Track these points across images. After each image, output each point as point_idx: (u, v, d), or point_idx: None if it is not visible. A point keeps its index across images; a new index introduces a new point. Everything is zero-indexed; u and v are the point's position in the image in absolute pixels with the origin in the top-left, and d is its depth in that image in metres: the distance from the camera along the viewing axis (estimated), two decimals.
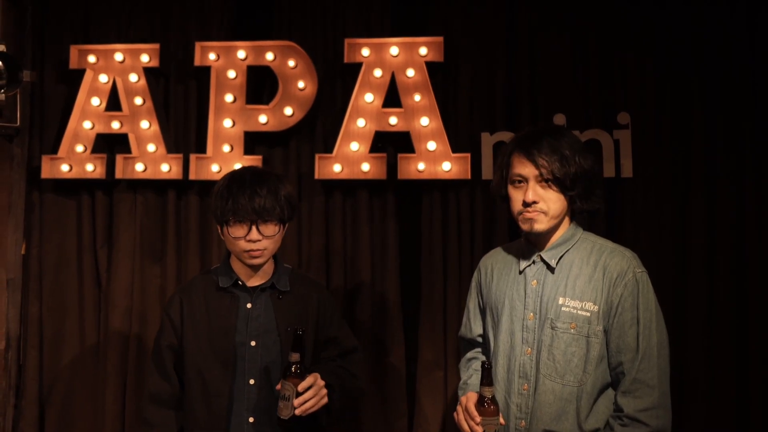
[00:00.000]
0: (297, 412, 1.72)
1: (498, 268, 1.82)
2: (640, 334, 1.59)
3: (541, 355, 1.65)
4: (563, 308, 1.64)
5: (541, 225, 1.65)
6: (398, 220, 3.03)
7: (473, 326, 1.92)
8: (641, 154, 2.90)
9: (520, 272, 1.74)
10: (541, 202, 1.64)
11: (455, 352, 2.90)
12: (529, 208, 1.65)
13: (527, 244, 1.74)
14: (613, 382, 1.66)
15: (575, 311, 1.63)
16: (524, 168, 1.68)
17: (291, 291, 1.94)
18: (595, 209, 1.68)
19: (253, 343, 1.86)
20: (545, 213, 1.64)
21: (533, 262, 1.72)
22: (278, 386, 1.74)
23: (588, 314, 1.62)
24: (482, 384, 1.59)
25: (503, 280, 1.78)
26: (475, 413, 1.60)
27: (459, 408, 1.67)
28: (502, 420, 1.63)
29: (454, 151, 2.96)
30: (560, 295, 1.65)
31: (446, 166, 2.93)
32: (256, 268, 1.91)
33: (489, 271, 1.86)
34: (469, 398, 1.65)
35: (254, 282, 1.92)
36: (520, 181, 1.70)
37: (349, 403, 1.80)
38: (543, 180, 1.63)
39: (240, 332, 1.86)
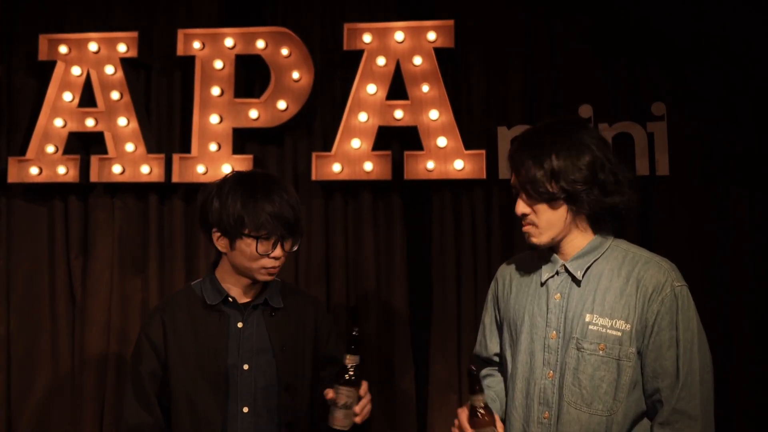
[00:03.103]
0: (358, 420, 1.73)
1: (517, 279, 1.80)
2: (680, 358, 1.57)
3: (565, 379, 1.63)
4: (590, 326, 1.62)
5: (537, 239, 1.66)
6: (405, 224, 3.04)
7: (489, 344, 1.91)
8: (679, 149, 2.90)
9: (542, 284, 1.72)
10: (531, 214, 1.65)
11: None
12: (523, 221, 1.68)
13: (550, 253, 1.72)
14: (649, 412, 1.64)
15: (604, 330, 1.61)
16: (513, 176, 1.70)
17: (284, 307, 1.94)
18: (610, 212, 1.64)
19: (246, 367, 1.86)
20: (536, 226, 1.65)
21: (557, 273, 1.70)
22: (330, 394, 1.72)
23: (619, 334, 1.60)
24: (470, 392, 1.57)
25: (523, 292, 1.76)
26: (466, 426, 1.59)
27: (456, 422, 1.66)
28: (499, 429, 1.62)
29: (467, 148, 2.97)
30: (587, 311, 1.63)
31: (458, 164, 2.94)
32: (253, 285, 1.91)
33: (507, 282, 1.84)
34: (461, 411, 1.64)
35: (246, 298, 1.92)
36: (517, 193, 1.72)
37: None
38: (525, 192, 1.65)
39: (231, 354, 1.86)
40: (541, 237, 1.66)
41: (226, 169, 2.98)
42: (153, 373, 1.86)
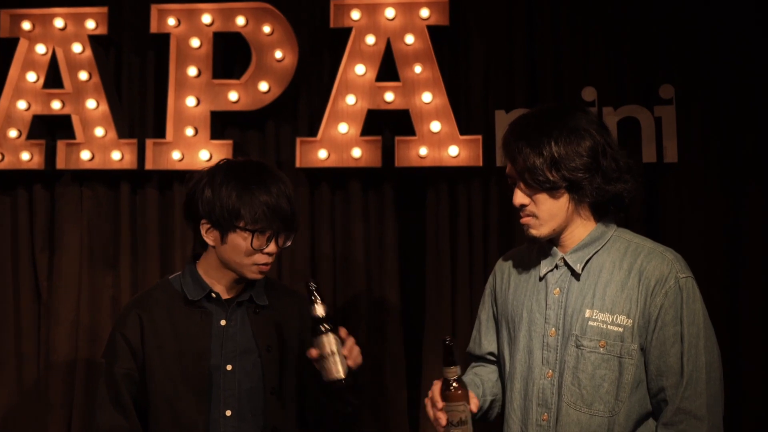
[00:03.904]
0: (351, 363, 1.73)
1: (516, 273, 1.80)
2: (684, 354, 1.57)
3: (564, 379, 1.63)
4: (590, 322, 1.61)
5: (537, 231, 1.66)
6: (397, 216, 3.03)
7: (483, 341, 1.91)
8: (688, 135, 2.88)
9: (541, 278, 1.72)
10: (530, 205, 1.64)
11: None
12: (521, 212, 1.67)
13: (549, 245, 1.71)
14: (655, 412, 1.64)
15: (605, 326, 1.61)
16: (508, 165, 1.69)
17: (270, 305, 1.93)
18: (613, 200, 1.64)
19: (229, 367, 1.85)
20: (536, 217, 1.64)
21: (556, 267, 1.70)
22: (313, 352, 1.72)
23: (620, 330, 1.60)
24: (444, 364, 1.58)
25: (521, 287, 1.76)
26: (438, 398, 1.60)
27: (429, 393, 1.67)
28: (473, 406, 1.62)
29: (462, 133, 2.95)
30: (587, 306, 1.63)
31: (453, 150, 2.93)
32: (239, 281, 1.89)
33: (505, 276, 1.84)
34: (435, 383, 1.65)
35: (230, 294, 1.90)
36: (513, 183, 1.70)
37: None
38: (524, 181, 1.63)
39: (214, 354, 1.84)
40: (541, 229, 1.65)
41: (204, 155, 2.98)
42: (129, 374, 1.84)
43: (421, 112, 2.95)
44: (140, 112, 3.14)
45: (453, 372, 1.58)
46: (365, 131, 2.97)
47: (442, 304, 2.97)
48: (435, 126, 2.94)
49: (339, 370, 1.70)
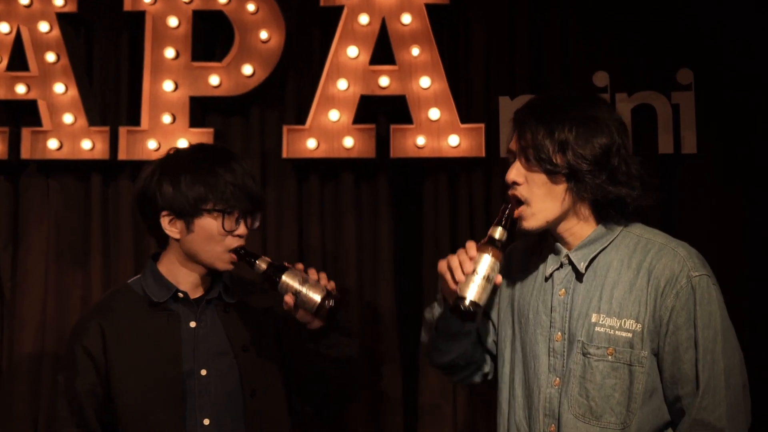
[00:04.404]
0: (324, 283, 1.73)
1: (524, 268, 1.78)
2: (699, 360, 1.53)
3: (570, 388, 1.60)
4: (597, 328, 1.59)
5: (527, 222, 1.62)
6: (393, 210, 3.01)
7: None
8: (708, 123, 2.84)
9: (547, 278, 1.69)
10: (523, 185, 1.61)
11: (469, 394, 2.89)
12: (509, 191, 1.64)
13: (556, 242, 1.69)
14: (675, 422, 1.59)
15: (612, 332, 1.58)
16: (513, 140, 1.67)
17: (239, 302, 1.92)
18: (614, 203, 1.61)
19: (203, 372, 1.82)
20: (528, 204, 1.61)
21: (561, 265, 1.67)
22: (286, 300, 1.71)
23: (629, 335, 1.57)
24: (495, 223, 1.59)
25: (528, 285, 1.74)
26: (472, 246, 1.59)
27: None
28: (498, 277, 1.58)
29: (463, 121, 2.92)
30: (593, 310, 1.60)
31: (453, 140, 2.89)
32: (207, 276, 1.87)
33: (514, 267, 1.81)
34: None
35: (198, 293, 1.88)
36: (512, 160, 1.67)
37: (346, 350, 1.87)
38: (525, 157, 1.61)
39: (186, 359, 1.82)
40: (531, 220, 1.61)
41: (182, 144, 2.91)
42: (92, 390, 1.81)
43: (419, 98, 2.91)
44: (113, 97, 3.09)
45: (501, 234, 1.57)
46: (358, 119, 2.93)
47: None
48: (434, 113, 2.90)
49: (317, 293, 1.70)
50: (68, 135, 2.98)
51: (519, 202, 1.61)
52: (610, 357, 1.58)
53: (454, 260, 1.58)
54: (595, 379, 1.58)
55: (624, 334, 1.57)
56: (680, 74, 2.83)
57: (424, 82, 2.89)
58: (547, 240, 1.72)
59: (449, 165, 2.95)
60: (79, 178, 3.07)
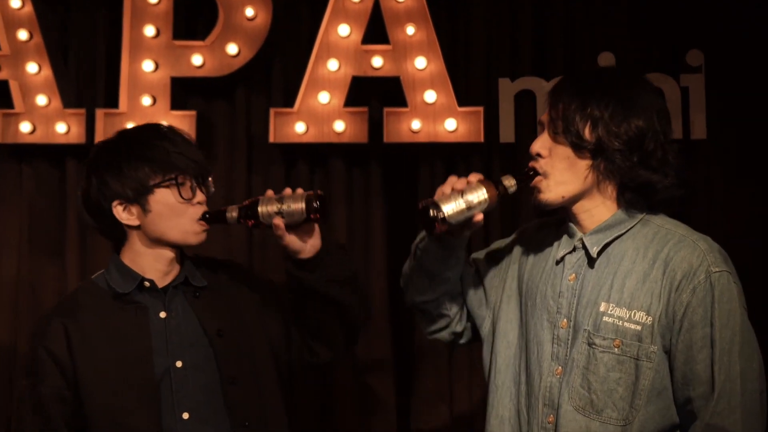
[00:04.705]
0: (300, 191, 1.74)
1: (536, 248, 1.76)
2: (715, 362, 1.49)
3: (572, 379, 1.58)
4: (605, 318, 1.56)
5: (544, 195, 1.61)
6: (386, 199, 2.98)
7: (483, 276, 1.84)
8: (719, 107, 2.84)
9: (558, 261, 1.67)
10: (547, 158, 1.61)
11: (464, 376, 2.87)
12: (531, 163, 1.63)
13: (572, 223, 1.67)
14: (683, 425, 1.56)
15: (621, 323, 1.55)
16: (545, 113, 1.66)
17: (209, 285, 1.89)
18: (642, 188, 1.57)
19: (179, 364, 1.78)
20: (546, 176, 1.61)
21: (574, 249, 1.65)
22: (276, 224, 1.71)
23: (638, 328, 1.54)
24: (512, 175, 1.60)
25: (538, 267, 1.72)
26: (476, 175, 1.62)
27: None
28: (480, 215, 1.59)
29: (461, 105, 2.89)
30: (603, 298, 1.58)
31: (450, 124, 2.86)
32: (174, 261, 1.84)
33: (527, 246, 1.79)
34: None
35: (166, 280, 1.85)
36: (541, 131, 1.67)
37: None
38: (553, 129, 1.60)
39: (159, 353, 1.78)
40: (548, 192, 1.61)
41: None
42: (59, 394, 1.77)
43: (414, 79, 2.88)
44: (89, 77, 3.03)
45: (509, 183, 1.58)
46: (349, 101, 2.90)
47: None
48: (430, 96, 2.87)
49: (299, 201, 1.70)
50: (42, 117, 2.93)
51: (537, 174, 1.61)
52: (616, 349, 1.55)
53: (452, 178, 1.61)
54: (598, 371, 1.56)
55: (633, 326, 1.55)
56: (690, 55, 2.82)
57: (420, 62, 2.86)
58: (565, 222, 1.70)
59: (446, 151, 2.93)
60: (54, 164, 3.03)
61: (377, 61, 2.87)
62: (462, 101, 2.87)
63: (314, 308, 1.83)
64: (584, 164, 1.59)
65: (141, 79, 2.91)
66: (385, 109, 2.88)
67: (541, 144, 1.61)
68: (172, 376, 1.77)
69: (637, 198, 1.60)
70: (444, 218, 1.54)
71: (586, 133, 1.57)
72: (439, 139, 2.86)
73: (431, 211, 1.54)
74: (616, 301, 1.56)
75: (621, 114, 1.56)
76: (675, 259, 1.54)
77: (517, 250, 1.82)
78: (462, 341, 1.88)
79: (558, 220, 1.75)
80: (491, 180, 1.58)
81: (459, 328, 1.84)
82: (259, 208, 1.71)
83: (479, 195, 1.56)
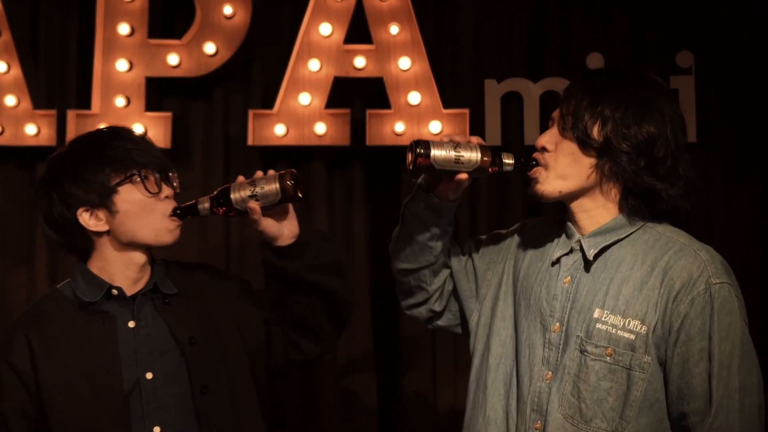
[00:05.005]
0: (272, 172, 1.72)
1: (533, 247, 1.74)
2: (713, 376, 1.47)
3: (563, 386, 1.56)
4: (598, 325, 1.54)
5: (542, 186, 1.61)
6: (368, 203, 2.97)
7: (476, 260, 1.81)
8: (709, 110, 2.84)
9: (554, 262, 1.66)
10: (552, 152, 1.60)
11: (449, 386, 2.85)
12: (534, 154, 1.62)
13: (570, 224, 1.66)
14: None
15: (614, 331, 1.53)
16: (557, 109, 1.66)
17: (179, 292, 1.84)
18: (646, 195, 1.55)
19: (149, 375, 1.74)
20: (547, 168, 1.61)
21: (571, 251, 1.63)
22: (252, 208, 1.69)
23: (632, 337, 1.52)
24: (514, 154, 1.59)
25: (534, 267, 1.70)
26: (478, 138, 1.62)
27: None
28: (464, 175, 1.59)
29: (446, 106, 2.88)
30: (597, 305, 1.55)
31: (435, 126, 2.85)
32: (144, 266, 1.80)
33: (526, 241, 1.77)
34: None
35: (135, 288, 1.80)
36: (551, 127, 1.67)
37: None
38: (563, 124, 1.60)
39: (128, 364, 1.74)
40: (546, 184, 1.60)
41: (138, 129, 2.81)
42: (21, 410, 1.73)
43: (398, 80, 2.88)
44: (61, 77, 3.02)
45: (508, 158, 1.57)
46: (331, 103, 2.89)
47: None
48: (414, 97, 2.86)
49: (272, 182, 1.68)
50: (11, 119, 2.90)
51: (538, 165, 1.62)
52: (608, 358, 1.54)
53: (453, 133, 1.66)
54: (589, 379, 1.54)
55: (626, 334, 1.53)
56: (680, 57, 2.82)
57: (404, 63, 2.84)
58: (562, 222, 1.70)
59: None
60: (23, 167, 3.01)
61: (360, 62, 2.86)
62: (447, 103, 2.86)
63: (297, 300, 1.81)
64: (588, 162, 1.58)
65: (114, 79, 2.88)
66: (368, 111, 2.86)
67: (548, 138, 1.61)
68: (142, 388, 1.74)
69: (639, 204, 1.58)
70: (429, 155, 1.54)
71: (595, 131, 1.56)
72: None
73: (420, 146, 1.55)
74: (611, 308, 1.55)
75: (633, 117, 1.56)
76: (675, 267, 1.53)
77: (516, 246, 1.81)
78: (440, 323, 1.87)
79: (561, 220, 1.74)
80: (492, 149, 1.57)
81: (438, 308, 1.84)
82: (232, 195, 1.68)
83: (472, 155, 1.56)
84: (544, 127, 2.73)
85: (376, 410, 2.88)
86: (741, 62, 2.83)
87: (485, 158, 1.56)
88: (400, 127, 2.83)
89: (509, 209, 2.91)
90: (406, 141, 2.77)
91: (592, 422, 1.53)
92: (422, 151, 1.54)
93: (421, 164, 1.56)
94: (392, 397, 2.90)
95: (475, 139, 1.61)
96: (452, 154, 1.56)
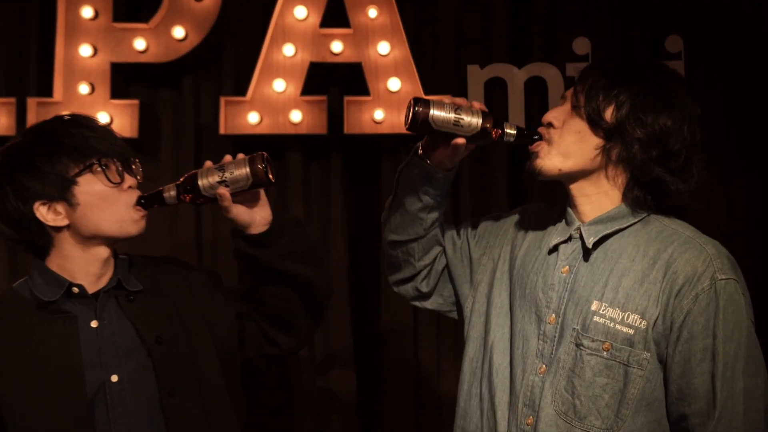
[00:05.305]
0: (242, 156, 1.70)
1: (531, 234, 1.73)
2: (717, 377, 1.45)
3: (556, 380, 1.56)
4: (595, 318, 1.53)
5: (541, 160, 1.59)
6: (347, 194, 2.95)
7: (471, 244, 1.81)
8: (699, 97, 2.93)
9: (551, 250, 1.64)
10: (557, 129, 1.59)
11: (433, 381, 2.84)
12: (540, 129, 1.61)
13: (570, 209, 1.65)
14: None
15: (612, 325, 1.52)
16: (572, 88, 1.64)
17: (144, 289, 1.81)
18: (653, 186, 1.54)
19: (114, 378, 1.70)
20: (550, 143, 1.59)
21: (570, 239, 1.62)
22: (221, 194, 1.66)
23: (630, 332, 1.50)
24: (517, 125, 1.59)
25: (531, 255, 1.69)
26: (481, 104, 1.60)
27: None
28: (462, 140, 1.58)
29: (427, 93, 2.81)
30: (596, 297, 1.54)
31: None
32: (107, 262, 1.75)
33: (526, 227, 1.76)
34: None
35: (97, 286, 1.76)
36: (561, 103, 1.66)
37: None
38: (574, 102, 1.59)
39: (91, 367, 1.69)
40: (546, 159, 1.59)
41: (103, 118, 2.78)
42: None
43: (377, 66, 2.85)
44: (20, 63, 2.96)
45: (510, 129, 1.56)
46: (307, 90, 2.86)
47: (402, 302, 2.74)
48: (393, 84, 2.83)
49: (242, 166, 1.65)
50: None
51: (541, 139, 1.61)
52: (605, 353, 1.53)
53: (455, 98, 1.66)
54: (584, 374, 1.53)
55: (625, 329, 1.52)
56: (669, 41, 2.81)
57: (383, 47, 2.82)
58: (562, 211, 1.69)
59: (411, 142, 2.83)
60: None
61: (337, 46, 2.83)
62: (428, 89, 2.83)
63: (271, 291, 1.78)
64: (595, 143, 1.56)
65: (78, 65, 2.83)
66: (346, 98, 2.84)
67: (556, 114, 1.60)
68: (107, 393, 1.69)
69: (645, 196, 1.57)
70: (427, 114, 1.53)
71: (608, 113, 1.55)
72: (403, 131, 2.71)
73: (419, 104, 1.53)
74: (610, 300, 1.54)
75: (651, 106, 1.54)
76: (678, 261, 1.51)
77: (514, 230, 1.79)
78: (428, 305, 1.86)
79: (562, 206, 1.72)
80: (494, 117, 1.56)
81: (424, 288, 1.83)
82: (200, 182, 1.65)
83: (473, 119, 1.54)
84: (529, 114, 2.74)
85: (355, 408, 2.87)
86: (732, 47, 2.82)
87: (486, 124, 1.54)
88: (379, 114, 2.80)
89: (492, 196, 2.90)
90: (385, 129, 2.82)
91: (586, 419, 1.52)
92: (420, 109, 1.52)
93: (418, 122, 1.54)
94: (373, 394, 2.89)
95: (477, 104, 1.59)
96: (452, 115, 1.53)
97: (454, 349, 2.78)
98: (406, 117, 1.57)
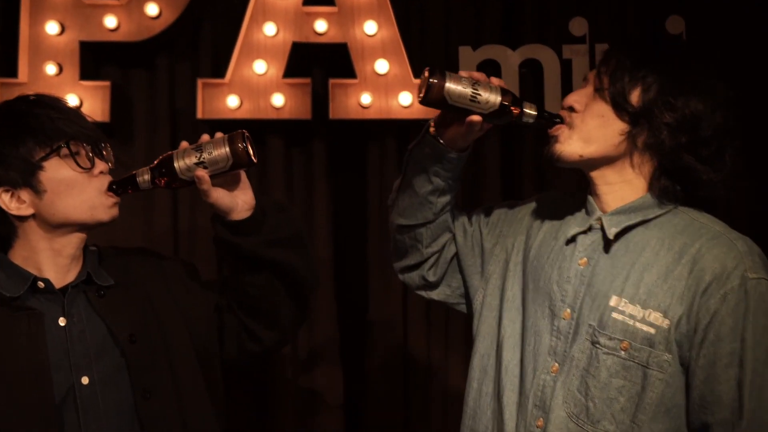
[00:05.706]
0: (220, 135, 1.67)
1: (548, 224, 1.71)
2: (744, 385, 1.41)
3: (569, 380, 1.53)
4: (614, 314, 1.50)
5: (561, 145, 1.57)
6: (331, 181, 2.92)
7: (483, 233, 1.77)
8: None
9: (568, 241, 1.62)
10: (579, 113, 1.57)
11: (422, 377, 2.84)
12: (561, 112, 1.59)
13: (590, 197, 1.63)
14: None
15: (632, 322, 1.49)
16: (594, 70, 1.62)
17: (116, 283, 1.77)
18: (682, 175, 1.51)
19: (85, 380, 1.67)
20: (571, 127, 1.57)
21: (589, 229, 1.59)
22: (200, 177, 1.62)
23: (652, 331, 1.48)
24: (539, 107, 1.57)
25: (547, 245, 1.66)
26: (501, 81, 1.58)
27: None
28: (477, 117, 1.54)
29: (417, 76, 2.78)
30: (615, 291, 1.52)
31: (405, 98, 2.81)
32: (76, 254, 1.72)
33: (542, 216, 1.73)
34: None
35: (66, 280, 1.72)
36: (584, 85, 1.63)
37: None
38: (598, 83, 1.56)
39: (59, 368, 1.66)
40: (566, 144, 1.57)
41: (73, 100, 2.70)
42: None
43: (363, 47, 2.82)
44: None
45: (530, 108, 1.53)
46: (290, 72, 2.81)
47: (389, 288, 2.86)
48: (381, 66, 2.79)
49: (221, 146, 1.61)
50: None
51: (562, 123, 1.58)
52: (622, 352, 1.51)
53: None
54: (599, 375, 1.51)
55: (645, 327, 1.49)
56: (670, 22, 2.79)
57: (370, 27, 2.78)
58: (582, 200, 1.66)
59: (399, 128, 2.86)
60: None
61: (321, 26, 2.78)
62: (418, 72, 2.67)
63: (253, 281, 1.75)
64: (619, 128, 1.53)
65: (44, 44, 2.76)
66: (331, 81, 2.80)
67: (578, 97, 1.56)
68: (77, 395, 1.65)
69: (673, 186, 1.54)
70: (443, 87, 1.49)
71: (634, 96, 1.51)
72: (391, 115, 2.81)
73: (435, 75, 1.49)
74: (630, 296, 1.51)
75: (681, 89, 1.50)
76: (706, 257, 1.47)
77: (529, 219, 1.76)
78: (435, 296, 1.83)
79: (582, 195, 1.68)
80: (513, 95, 1.52)
81: (431, 277, 1.80)
82: (176, 164, 1.61)
83: (491, 96, 1.51)
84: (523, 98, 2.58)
85: (342, 405, 2.87)
86: (735, 28, 2.81)
87: (505, 102, 1.51)
88: (366, 98, 2.77)
89: (484, 188, 2.88)
90: (372, 114, 2.80)
91: (599, 424, 1.50)
92: (436, 81, 1.48)
93: (432, 95, 1.50)
94: (359, 391, 2.90)
95: (496, 81, 1.55)
96: (469, 90, 1.49)
97: (445, 344, 2.79)
98: (419, 88, 1.52)
